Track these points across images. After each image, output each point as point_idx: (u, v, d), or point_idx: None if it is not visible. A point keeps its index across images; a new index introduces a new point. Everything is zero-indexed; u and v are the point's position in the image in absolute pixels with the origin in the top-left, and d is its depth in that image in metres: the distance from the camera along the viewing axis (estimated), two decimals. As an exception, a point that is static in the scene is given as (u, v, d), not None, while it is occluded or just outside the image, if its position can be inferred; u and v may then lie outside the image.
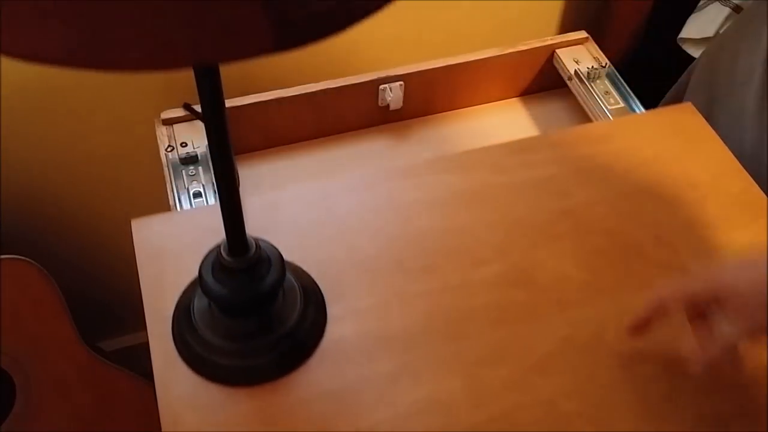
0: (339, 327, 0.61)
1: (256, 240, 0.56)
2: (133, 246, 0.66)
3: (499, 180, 0.72)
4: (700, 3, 1.04)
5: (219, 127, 0.47)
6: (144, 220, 0.68)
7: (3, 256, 0.92)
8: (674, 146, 0.75)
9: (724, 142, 0.75)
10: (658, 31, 1.15)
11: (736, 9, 1.00)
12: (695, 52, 1.04)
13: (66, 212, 1.16)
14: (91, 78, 0.99)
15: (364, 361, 0.59)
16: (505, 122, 0.99)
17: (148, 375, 0.58)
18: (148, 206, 1.16)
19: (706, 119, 0.76)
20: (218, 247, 0.55)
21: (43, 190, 1.11)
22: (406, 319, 0.62)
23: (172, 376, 0.58)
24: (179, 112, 0.88)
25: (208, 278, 0.55)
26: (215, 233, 0.57)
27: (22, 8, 0.28)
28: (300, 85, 0.90)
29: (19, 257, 0.93)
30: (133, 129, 1.07)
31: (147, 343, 0.60)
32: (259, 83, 1.06)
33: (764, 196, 0.71)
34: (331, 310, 0.62)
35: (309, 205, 0.70)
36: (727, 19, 1.01)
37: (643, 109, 0.87)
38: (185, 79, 0.51)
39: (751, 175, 0.73)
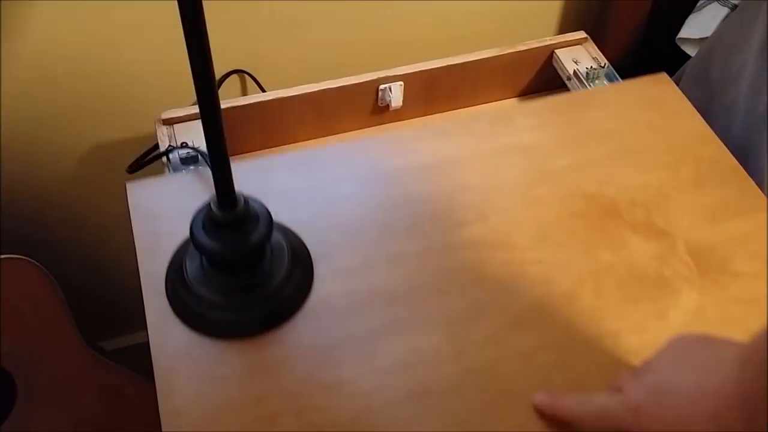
0: (326, 285, 0.63)
1: (245, 196, 0.58)
2: (131, 219, 0.67)
3: (482, 146, 0.75)
4: (699, 3, 1.04)
5: (204, 67, 0.47)
6: (140, 183, 0.70)
7: (3, 256, 0.92)
8: (650, 115, 0.78)
9: (717, 134, 0.76)
10: (657, 32, 1.16)
11: (735, 9, 1.00)
12: (694, 52, 1.04)
13: (66, 211, 1.17)
14: (91, 78, 0.99)
15: (350, 317, 0.61)
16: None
17: (148, 374, 0.58)
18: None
19: (702, 114, 0.78)
20: (208, 202, 0.58)
21: (43, 189, 1.11)
22: (391, 277, 0.64)
23: (166, 332, 0.60)
24: (180, 112, 0.89)
25: (198, 232, 0.58)
26: (209, 196, 0.59)
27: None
28: (300, 85, 0.90)
29: (20, 256, 0.94)
30: (134, 129, 1.07)
31: (147, 343, 0.60)
32: (259, 83, 1.07)
33: (734, 160, 0.73)
34: (319, 270, 0.64)
35: (298, 171, 0.72)
36: (725, 19, 1.01)
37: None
38: (186, 81, 0.52)
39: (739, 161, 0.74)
